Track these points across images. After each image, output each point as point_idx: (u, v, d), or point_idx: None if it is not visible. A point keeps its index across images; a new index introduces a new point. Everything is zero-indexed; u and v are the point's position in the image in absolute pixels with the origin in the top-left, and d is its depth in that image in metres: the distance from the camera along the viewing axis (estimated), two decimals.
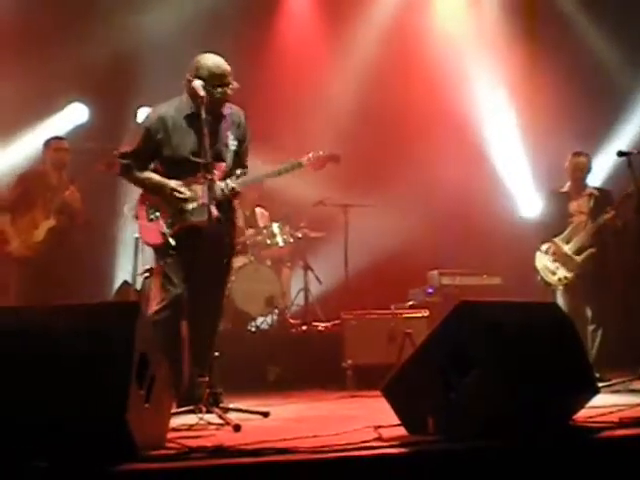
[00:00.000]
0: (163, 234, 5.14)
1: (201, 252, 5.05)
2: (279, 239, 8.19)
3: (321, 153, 5.43)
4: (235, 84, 5.17)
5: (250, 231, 8.40)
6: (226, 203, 5.21)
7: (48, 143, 7.46)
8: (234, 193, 5.22)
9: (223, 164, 5.19)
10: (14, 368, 3.20)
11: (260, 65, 9.23)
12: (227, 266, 5.35)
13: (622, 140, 8.90)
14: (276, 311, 8.24)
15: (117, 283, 8.07)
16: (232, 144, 5.19)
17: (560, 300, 7.08)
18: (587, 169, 7.43)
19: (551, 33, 9.52)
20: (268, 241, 8.20)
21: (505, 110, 9.78)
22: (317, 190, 8.59)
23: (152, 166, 5.30)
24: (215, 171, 5.10)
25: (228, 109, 5.27)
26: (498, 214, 9.37)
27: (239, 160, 5.33)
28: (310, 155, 5.39)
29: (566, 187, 7.44)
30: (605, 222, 7.02)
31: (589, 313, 7.07)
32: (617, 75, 9.36)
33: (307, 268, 8.64)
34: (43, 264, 7.12)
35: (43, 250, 7.16)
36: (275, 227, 8.22)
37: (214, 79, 5.10)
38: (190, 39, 8.44)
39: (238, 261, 8.30)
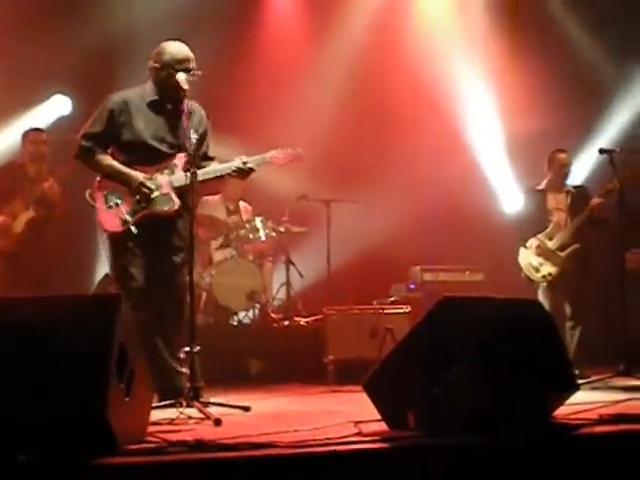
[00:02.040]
0: (125, 221, 5.08)
1: (158, 243, 5.11)
2: (261, 233, 8.17)
3: (288, 151, 5.44)
4: (197, 72, 5.17)
5: (232, 218, 8.39)
6: (187, 193, 5.16)
7: (26, 135, 7.39)
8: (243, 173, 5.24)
9: (185, 155, 5.18)
10: None
11: (243, 60, 9.21)
12: (187, 255, 5.14)
13: (604, 138, 8.94)
14: (258, 306, 8.23)
15: (98, 276, 8.03)
16: (193, 137, 5.15)
17: (542, 297, 7.12)
18: (570, 166, 7.48)
19: (533, 31, 9.52)
20: (250, 235, 8.18)
21: (488, 107, 9.79)
22: (300, 185, 8.59)
23: (109, 151, 5.27)
24: (177, 161, 5.16)
25: (189, 105, 5.22)
26: (481, 211, 9.39)
27: (204, 155, 5.33)
28: (275, 152, 5.39)
29: (543, 184, 7.47)
30: (592, 210, 7.04)
31: (568, 310, 7.11)
32: (600, 73, 9.40)
33: (289, 263, 8.63)
34: (22, 256, 7.07)
35: (22, 242, 7.11)
36: (258, 221, 8.20)
37: (176, 64, 5.14)
38: (173, 32, 8.39)
39: (220, 255, 8.31)
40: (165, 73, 5.17)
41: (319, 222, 8.64)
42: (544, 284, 7.20)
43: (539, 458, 3.34)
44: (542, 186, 7.46)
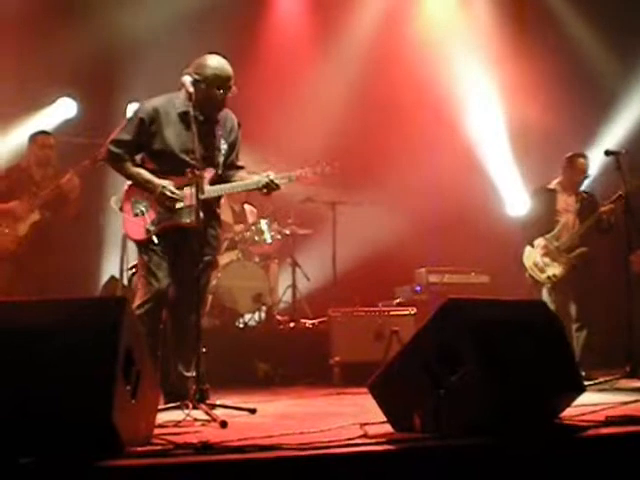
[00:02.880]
0: (147, 230, 5.11)
1: (184, 251, 5.09)
2: (267, 236, 8.18)
3: (317, 169, 5.42)
4: (235, 89, 5.16)
5: (239, 227, 8.39)
6: (211, 206, 5.20)
7: (33, 138, 7.40)
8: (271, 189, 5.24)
9: (213, 169, 5.19)
10: None
11: (250, 62, 9.19)
12: (209, 266, 5.28)
13: (610, 139, 8.93)
14: (264, 308, 8.23)
15: (104, 278, 8.04)
16: (224, 149, 5.18)
17: (546, 298, 7.11)
18: (588, 172, 7.44)
19: (541, 34, 9.53)
20: (256, 238, 8.19)
21: (494, 109, 9.79)
22: (305, 187, 8.58)
23: (138, 159, 5.27)
24: (205, 174, 5.13)
25: (223, 113, 5.26)
26: (486, 212, 9.39)
27: (231, 164, 5.34)
28: (302, 171, 5.37)
29: (554, 184, 7.45)
30: (603, 214, 7.03)
31: (574, 312, 7.11)
32: (606, 75, 9.39)
33: (295, 265, 8.64)
34: (27, 259, 7.09)
35: (27, 244, 7.12)
36: (263, 224, 8.21)
37: (217, 81, 5.09)
38: (180, 35, 8.44)
39: (226, 258, 8.30)
40: (204, 87, 5.08)
41: (325, 224, 8.66)
42: (548, 285, 7.19)
43: (546, 460, 3.34)
44: (553, 185, 7.43)
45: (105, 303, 3.73)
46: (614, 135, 9.02)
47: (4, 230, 7.12)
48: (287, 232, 8.40)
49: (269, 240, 8.20)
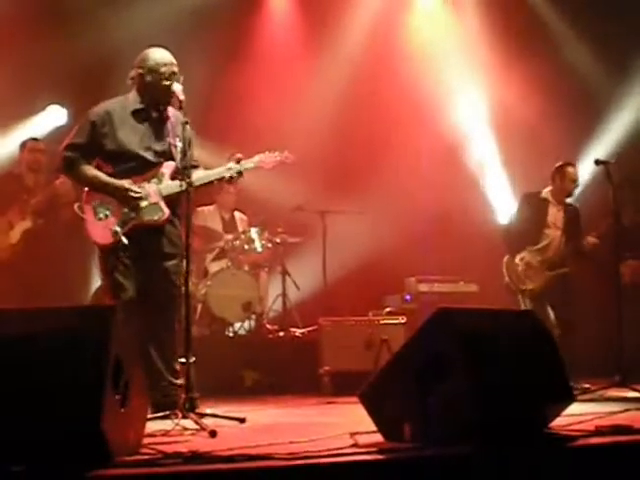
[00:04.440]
0: (115, 233, 5.04)
1: (149, 252, 5.10)
2: (257, 244, 8.17)
3: (275, 154, 5.46)
4: (180, 78, 5.16)
5: (228, 236, 8.37)
6: (173, 203, 5.17)
7: (24, 144, 7.44)
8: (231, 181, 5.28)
9: (173, 163, 5.19)
10: None
11: (239, 66, 9.21)
12: (178, 265, 5.18)
13: (600, 149, 8.96)
14: (253, 317, 8.22)
15: (94, 286, 8.01)
16: (179, 145, 5.13)
17: (524, 307, 7.15)
18: (578, 181, 7.48)
19: (529, 42, 9.55)
20: (246, 246, 8.18)
21: (482, 117, 9.82)
22: (295, 195, 8.59)
23: (94, 164, 5.25)
24: (164, 169, 5.17)
25: (171, 111, 5.26)
26: (476, 221, 9.40)
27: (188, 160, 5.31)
28: (262, 156, 5.41)
29: (545, 193, 7.44)
30: (586, 247, 7.13)
31: (552, 318, 7.14)
32: (596, 84, 9.42)
33: (285, 273, 8.63)
34: (17, 266, 7.06)
35: (18, 252, 7.10)
36: (254, 232, 8.20)
37: (160, 69, 5.15)
38: (171, 41, 8.40)
39: (215, 266, 8.30)
40: (150, 79, 5.17)
41: (315, 233, 8.65)
42: (526, 295, 7.25)
43: (535, 470, 3.34)
44: (544, 195, 7.43)
45: (95, 311, 3.72)
46: (604, 144, 9.06)
47: None
48: (277, 241, 8.39)
49: (259, 249, 8.19)
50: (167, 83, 5.13)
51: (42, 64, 8.26)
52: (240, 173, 5.28)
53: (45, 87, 8.51)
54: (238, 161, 5.28)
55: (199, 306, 7.98)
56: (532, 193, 7.60)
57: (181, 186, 4.89)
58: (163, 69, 5.15)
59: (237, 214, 8.78)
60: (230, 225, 8.65)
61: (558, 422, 3.96)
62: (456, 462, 3.29)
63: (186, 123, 4.92)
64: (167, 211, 5.15)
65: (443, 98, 9.72)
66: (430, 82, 9.66)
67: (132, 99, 5.27)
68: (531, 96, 9.20)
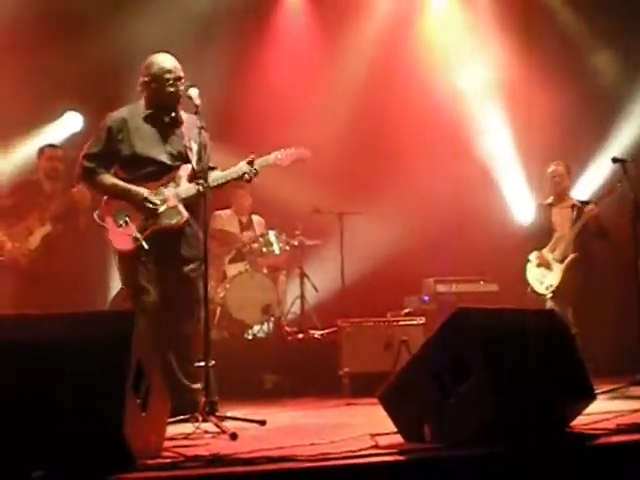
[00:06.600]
0: (135, 238, 5.09)
1: (169, 252, 5.14)
2: (275, 247, 8.18)
3: (291, 151, 5.49)
4: (186, 82, 5.20)
5: (247, 233, 8.40)
6: (194, 204, 5.19)
7: (42, 151, 7.47)
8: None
9: (189, 166, 5.21)
10: (8, 379, 3.19)
11: (253, 73, 9.24)
12: (197, 269, 5.19)
13: (617, 147, 8.91)
14: (272, 319, 8.22)
15: (115, 290, 8.03)
16: (194, 147, 5.17)
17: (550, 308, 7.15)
18: (565, 177, 7.54)
19: (546, 43, 9.51)
20: (264, 249, 8.18)
21: (500, 118, 9.79)
22: (312, 197, 8.60)
23: (112, 171, 5.29)
24: (182, 172, 5.20)
25: (185, 116, 5.29)
26: (494, 221, 9.37)
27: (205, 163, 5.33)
28: (278, 153, 5.45)
29: (550, 199, 7.61)
30: (587, 218, 7.13)
31: (570, 317, 7.14)
32: (613, 82, 9.37)
33: (303, 276, 8.64)
34: (37, 272, 7.09)
35: (38, 257, 7.13)
36: (271, 235, 8.21)
37: (166, 73, 5.20)
38: (184, 47, 8.43)
39: (234, 269, 8.31)
40: (155, 85, 5.23)
41: (332, 235, 8.65)
42: (549, 296, 7.28)
43: (557, 469, 3.32)
44: (549, 200, 7.64)
45: (116, 317, 3.74)
46: (621, 142, 9.01)
47: (15, 244, 7.14)
48: (295, 243, 8.40)
49: (277, 251, 8.20)
50: (172, 89, 5.19)
51: (58, 71, 8.30)
52: (256, 171, 5.30)
53: (62, 94, 8.54)
54: (252, 160, 5.30)
55: (218, 309, 8.00)
56: (540, 203, 7.81)
57: (198, 189, 4.93)
58: (167, 75, 5.21)
59: (255, 217, 8.79)
60: (248, 228, 8.66)
61: (579, 421, 3.95)
62: (477, 463, 3.28)
63: (202, 128, 4.95)
64: (186, 214, 5.18)
65: (461, 101, 9.69)
66: (448, 85, 9.64)
67: (142, 106, 5.33)
68: (548, 95, 9.15)
